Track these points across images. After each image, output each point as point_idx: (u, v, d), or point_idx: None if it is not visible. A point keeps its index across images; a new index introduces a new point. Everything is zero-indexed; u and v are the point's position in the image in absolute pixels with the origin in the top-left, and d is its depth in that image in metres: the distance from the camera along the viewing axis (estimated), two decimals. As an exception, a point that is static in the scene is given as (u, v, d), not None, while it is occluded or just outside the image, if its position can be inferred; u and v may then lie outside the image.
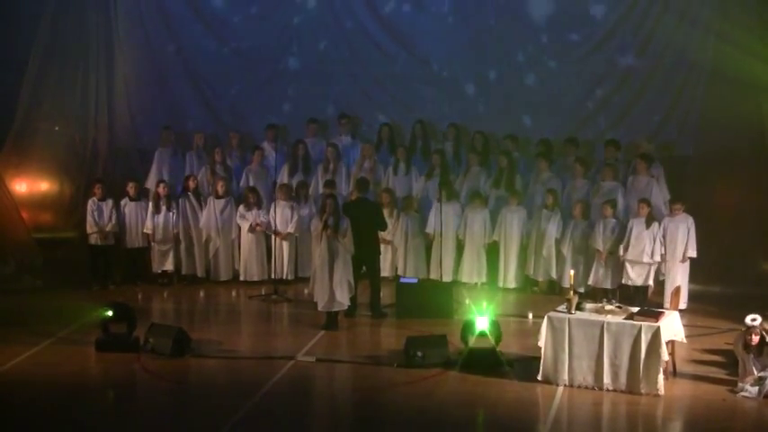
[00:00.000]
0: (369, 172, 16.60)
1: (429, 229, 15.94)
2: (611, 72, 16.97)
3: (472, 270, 15.96)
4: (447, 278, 15.63)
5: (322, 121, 17.69)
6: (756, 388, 10.70)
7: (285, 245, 16.06)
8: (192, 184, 16.39)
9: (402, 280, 14.92)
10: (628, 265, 14.43)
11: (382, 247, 15.95)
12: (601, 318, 11.12)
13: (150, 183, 17.00)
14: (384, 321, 14.07)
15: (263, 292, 15.48)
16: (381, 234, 15.69)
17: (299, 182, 16.50)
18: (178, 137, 17.62)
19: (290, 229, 16.02)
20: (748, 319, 10.94)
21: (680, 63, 16.57)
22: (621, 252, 14.45)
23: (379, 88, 17.86)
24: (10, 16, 17.46)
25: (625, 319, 11.07)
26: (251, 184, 16.61)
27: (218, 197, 16.24)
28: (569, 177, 15.90)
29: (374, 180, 16.62)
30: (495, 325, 11.87)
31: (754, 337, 10.76)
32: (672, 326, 11.21)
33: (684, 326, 11.70)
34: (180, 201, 16.26)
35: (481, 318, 11.84)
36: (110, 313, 12.48)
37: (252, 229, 16.07)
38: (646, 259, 14.36)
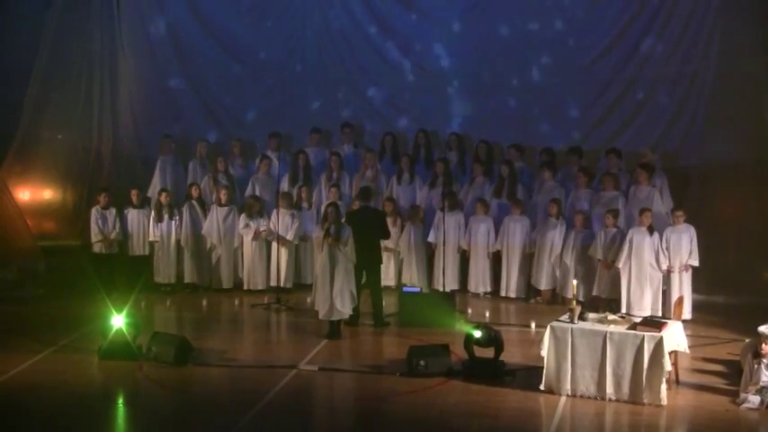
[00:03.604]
0: (371, 181, 16.63)
1: (431, 239, 15.95)
2: (614, 81, 17.00)
3: (478, 280, 15.96)
4: (449, 288, 15.61)
5: (324, 131, 17.72)
6: (758, 398, 10.69)
7: (284, 252, 16.06)
8: (194, 192, 16.43)
9: (405, 289, 14.92)
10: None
11: (386, 255, 16.02)
12: (604, 328, 11.10)
13: (152, 191, 17.04)
14: (386, 330, 14.06)
15: (265, 301, 15.48)
16: (384, 243, 15.74)
17: (299, 188, 16.49)
18: (181, 145, 17.66)
19: (290, 237, 16.03)
20: (762, 328, 10.94)
21: (683, 72, 16.60)
22: (617, 263, 14.45)
23: (382, 97, 17.91)
24: (13, 24, 17.49)
25: (628, 329, 11.06)
26: (257, 192, 16.64)
27: (221, 205, 16.27)
28: (573, 187, 15.91)
29: (376, 189, 16.66)
30: (497, 334, 11.87)
31: (765, 346, 10.74)
32: (675, 336, 11.20)
33: (687, 336, 11.68)
34: (184, 209, 16.29)
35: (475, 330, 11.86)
36: (119, 324, 12.46)
37: (256, 236, 16.07)
38: (649, 269, 14.36)
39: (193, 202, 16.39)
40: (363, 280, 14.20)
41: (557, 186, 15.99)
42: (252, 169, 17.18)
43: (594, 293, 14.89)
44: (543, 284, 15.59)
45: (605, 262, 14.70)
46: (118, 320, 12.45)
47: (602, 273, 14.81)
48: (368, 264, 14.09)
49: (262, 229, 16.10)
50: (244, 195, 16.83)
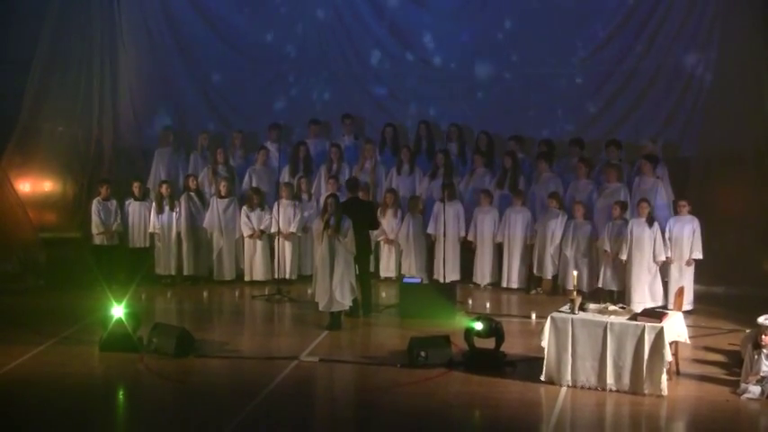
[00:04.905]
0: (370, 172, 16.63)
1: (430, 230, 15.95)
2: (615, 72, 16.98)
3: (484, 271, 15.95)
4: (450, 279, 15.59)
5: (324, 122, 17.71)
6: (759, 388, 10.70)
7: (288, 245, 16.08)
8: (192, 183, 16.41)
9: (405, 280, 14.93)
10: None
11: (388, 247, 16.03)
12: (604, 318, 11.11)
13: (150, 183, 17.04)
14: (387, 321, 14.06)
15: (266, 292, 15.49)
16: (386, 234, 15.73)
17: (299, 179, 16.49)
18: (181, 136, 17.65)
19: (293, 229, 16.04)
20: (761, 319, 10.97)
21: (684, 63, 16.59)
22: (621, 254, 14.44)
23: (382, 88, 17.89)
24: (14, 16, 17.47)
25: (628, 319, 11.07)
26: (254, 184, 16.63)
27: (221, 197, 16.26)
28: (574, 178, 15.89)
29: (375, 181, 16.65)
30: (498, 325, 11.87)
31: (765, 337, 10.75)
32: (675, 326, 11.21)
33: (688, 326, 11.70)
34: (181, 200, 16.28)
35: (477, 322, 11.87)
36: (119, 314, 12.47)
37: (255, 236, 16.07)
38: (649, 260, 14.35)
39: (191, 193, 16.37)
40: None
41: (553, 177, 15.98)
42: (253, 161, 17.16)
43: (598, 285, 14.87)
44: (544, 275, 15.58)
45: (611, 254, 14.65)
46: (117, 311, 12.47)
47: (606, 265, 14.78)
48: (357, 254, 14.04)
49: (258, 231, 16.09)
50: (243, 187, 16.82)
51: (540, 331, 11.35)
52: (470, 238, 15.97)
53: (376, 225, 14.94)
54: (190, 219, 16.29)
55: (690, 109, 16.59)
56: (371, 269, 15.40)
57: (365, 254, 14.48)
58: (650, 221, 14.35)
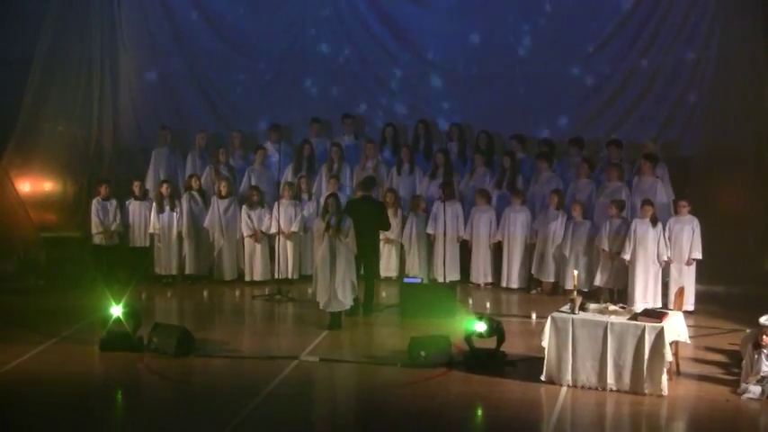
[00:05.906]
0: (372, 172, 16.62)
1: (430, 230, 15.95)
2: (615, 72, 16.99)
3: (479, 270, 15.95)
4: (450, 278, 15.59)
5: (325, 121, 17.71)
6: (759, 388, 10.70)
7: (289, 244, 16.09)
8: (195, 183, 16.42)
9: (405, 280, 14.92)
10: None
11: (388, 247, 16.02)
12: (604, 318, 11.11)
13: (149, 183, 17.03)
14: (388, 321, 14.05)
15: (267, 292, 15.49)
16: (386, 234, 15.72)
17: (299, 178, 16.49)
18: (181, 136, 17.65)
19: (294, 228, 16.05)
20: (763, 319, 10.97)
21: (684, 62, 16.59)
22: (624, 254, 14.43)
23: (382, 88, 17.88)
24: (14, 15, 17.47)
25: (629, 319, 11.07)
26: (253, 183, 16.63)
27: (221, 197, 16.26)
28: (574, 177, 15.89)
29: (378, 180, 16.65)
30: (499, 325, 11.87)
31: (765, 337, 10.75)
32: (676, 326, 11.21)
33: (689, 326, 11.70)
34: (183, 200, 16.28)
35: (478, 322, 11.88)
36: (117, 313, 12.47)
37: (257, 239, 16.07)
38: (651, 260, 14.34)
39: (193, 192, 16.38)
40: (361, 270, 14.22)
41: (553, 177, 15.98)
42: (252, 161, 17.15)
43: (597, 284, 14.89)
44: (544, 275, 15.57)
45: (609, 252, 14.67)
46: (117, 310, 12.46)
47: (605, 263, 14.80)
48: (365, 253, 14.05)
49: (259, 234, 16.09)
50: (241, 187, 16.81)
51: (541, 331, 11.35)
52: (466, 237, 15.96)
53: (387, 226, 14.91)
54: (191, 218, 16.29)
55: (690, 108, 16.59)
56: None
57: (374, 254, 14.45)
58: (653, 222, 14.36)
